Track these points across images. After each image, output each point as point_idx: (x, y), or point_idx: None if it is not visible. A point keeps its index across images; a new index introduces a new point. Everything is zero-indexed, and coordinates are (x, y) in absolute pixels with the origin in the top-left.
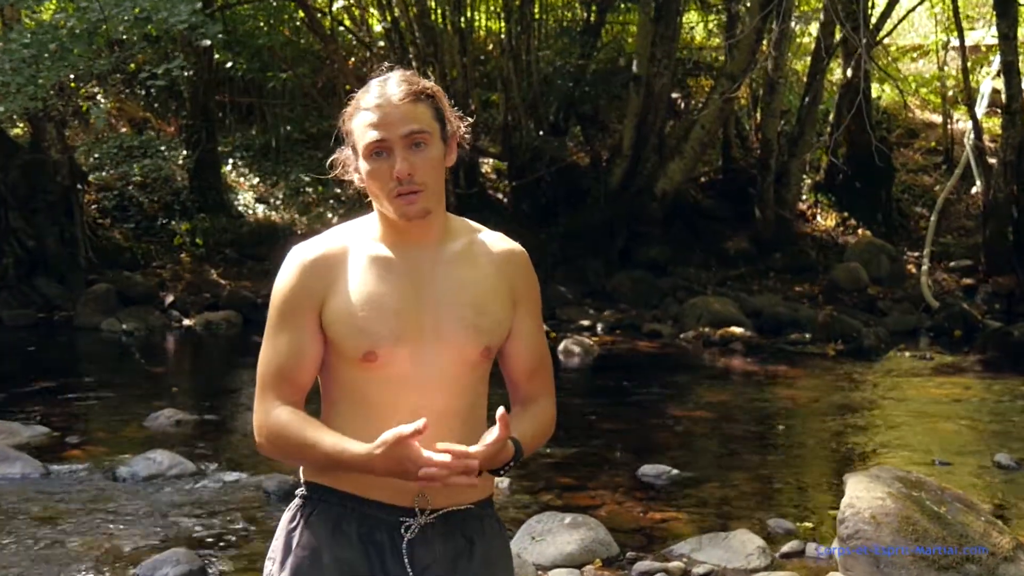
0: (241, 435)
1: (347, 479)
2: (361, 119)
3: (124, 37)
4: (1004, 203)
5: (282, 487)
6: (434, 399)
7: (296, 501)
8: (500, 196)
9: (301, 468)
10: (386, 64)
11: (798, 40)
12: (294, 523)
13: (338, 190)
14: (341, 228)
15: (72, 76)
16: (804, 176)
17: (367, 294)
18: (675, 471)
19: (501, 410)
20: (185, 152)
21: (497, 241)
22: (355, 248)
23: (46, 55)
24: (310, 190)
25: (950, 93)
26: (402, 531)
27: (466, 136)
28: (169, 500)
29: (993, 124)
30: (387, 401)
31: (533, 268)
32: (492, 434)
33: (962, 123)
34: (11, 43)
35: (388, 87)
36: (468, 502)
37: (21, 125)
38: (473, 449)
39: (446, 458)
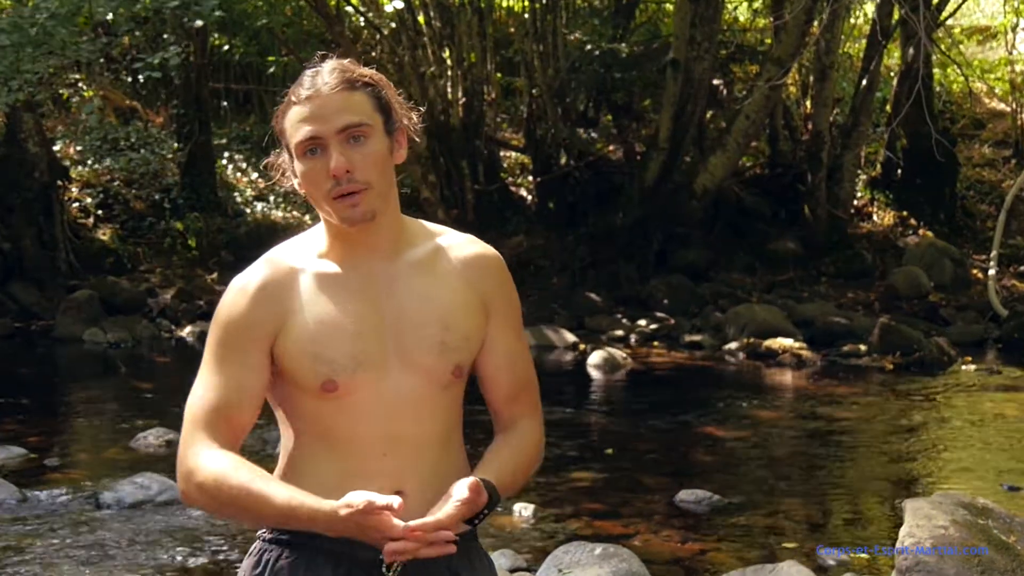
0: None
1: None
2: (292, 115)
3: (110, 18)
4: None
5: None
6: (405, 427)
7: (258, 545)
8: (523, 193)
9: None
10: (319, 53)
11: (852, 21)
12: (259, 570)
13: None
14: (284, 247)
15: (51, 62)
16: (859, 171)
17: (321, 317)
18: (716, 497)
19: (469, 481)
20: (176, 144)
21: (464, 244)
22: (302, 268)
23: (27, 42)
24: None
25: (1020, 80)
26: (383, 570)
27: (417, 128)
28: (157, 528)
29: None
30: (354, 433)
31: (509, 273)
32: (458, 491)
33: None
34: None
35: (319, 77)
36: None
37: None
38: (443, 514)
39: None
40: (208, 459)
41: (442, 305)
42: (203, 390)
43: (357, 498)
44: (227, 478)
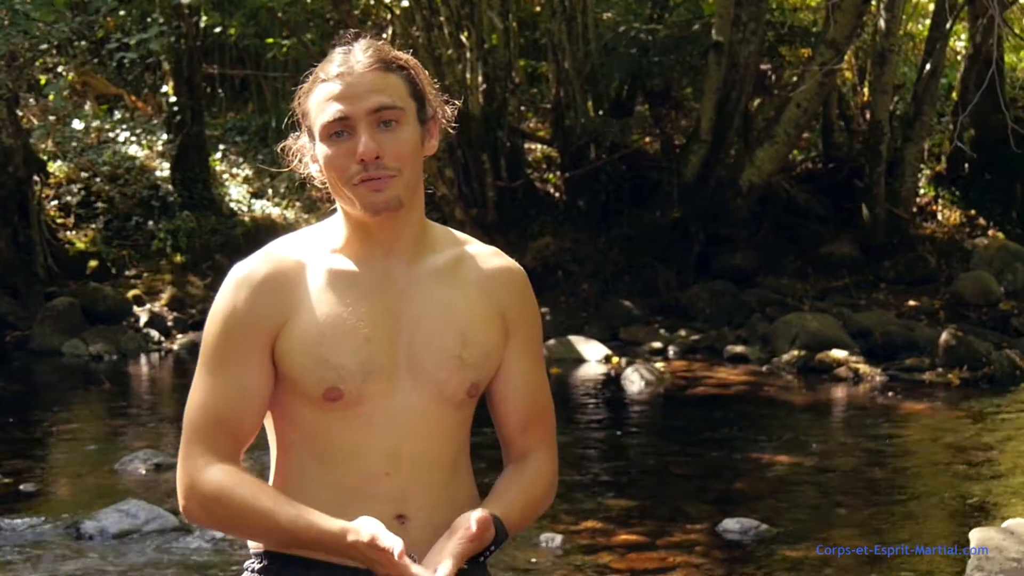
0: None
1: None
2: (319, 93)
3: None
4: None
5: None
6: (412, 445)
7: None
8: (550, 190)
9: None
10: (351, 31)
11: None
12: None
13: None
14: (294, 237)
15: (27, 44)
16: (922, 166)
17: (329, 317)
18: (764, 526)
19: (478, 515)
20: (165, 136)
21: (489, 256)
22: (313, 262)
23: None
24: (318, 182)
25: None
26: None
27: (450, 122)
28: (144, 560)
29: None
30: (355, 449)
31: (532, 291)
32: (465, 525)
33: None
34: None
35: (352, 55)
36: None
37: None
38: (451, 561)
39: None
40: (210, 474)
41: (462, 318)
42: (201, 395)
43: (364, 529)
44: (231, 493)
